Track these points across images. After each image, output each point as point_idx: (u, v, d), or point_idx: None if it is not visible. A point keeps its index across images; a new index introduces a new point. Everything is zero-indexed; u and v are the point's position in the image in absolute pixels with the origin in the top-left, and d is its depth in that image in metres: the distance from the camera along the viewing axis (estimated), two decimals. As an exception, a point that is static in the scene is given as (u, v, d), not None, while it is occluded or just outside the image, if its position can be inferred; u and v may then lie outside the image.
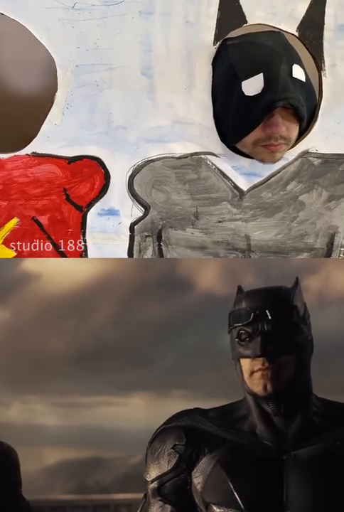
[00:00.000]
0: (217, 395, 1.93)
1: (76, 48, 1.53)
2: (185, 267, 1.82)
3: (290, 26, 1.52)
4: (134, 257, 1.69)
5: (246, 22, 1.52)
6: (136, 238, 1.68)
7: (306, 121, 1.57)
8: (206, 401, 1.80)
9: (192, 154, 1.61)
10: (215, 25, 1.52)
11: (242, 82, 1.48)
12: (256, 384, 1.16)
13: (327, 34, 1.52)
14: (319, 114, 1.57)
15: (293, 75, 1.47)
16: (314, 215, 1.65)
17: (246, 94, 1.49)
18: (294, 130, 1.53)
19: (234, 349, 1.19)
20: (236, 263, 1.79)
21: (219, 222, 1.66)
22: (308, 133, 1.59)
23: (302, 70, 1.50)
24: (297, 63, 1.49)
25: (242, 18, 1.52)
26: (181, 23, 1.52)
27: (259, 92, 1.47)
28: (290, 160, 1.61)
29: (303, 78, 1.49)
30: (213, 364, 1.92)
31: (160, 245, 1.68)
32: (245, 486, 1.13)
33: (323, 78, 1.55)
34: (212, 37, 1.52)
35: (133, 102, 1.57)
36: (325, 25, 1.52)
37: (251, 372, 1.16)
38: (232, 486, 1.13)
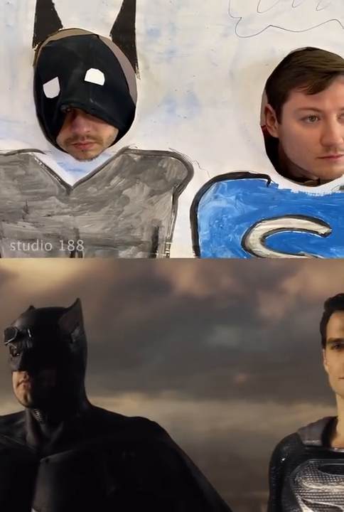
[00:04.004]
0: (207, 394, 1.96)
1: None
2: (162, 267, 1.89)
3: (103, 31, 1.59)
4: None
5: (61, 26, 1.59)
6: (-28, 231, 1.76)
7: (124, 121, 1.66)
8: (197, 401, 1.80)
9: (19, 151, 1.70)
10: (32, 29, 1.60)
11: (43, 85, 1.57)
12: (20, 394, 1.28)
13: (138, 38, 1.59)
14: (136, 114, 1.64)
15: (86, 79, 1.55)
16: (138, 209, 1.73)
17: (47, 96, 1.57)
18: (104, 129, 1.62)
19: (9, 363, 1.31)
20: (214, 264, 1.86)
21: (49, 215, 1.74)
22: (127, 131, 1.67)
23: (101, 73, 1.56)
24: (97, 67, 1.56)
25: (57, 23, 1.59)
26: (2, 26, 1.60)
27: (57, 95, 1.55)
28: (112, 156, 1.68)
29: (100, 82, 1.56)
30: (201, 364, 1.98)
31: (-5, 238, 1.76)
32: None
33: (138, 80, 1.62)
34: (31, 40, 1.61)
35: None
36: (136, 30, 1.58)
37: (17, 384, 1.29)
38: None
